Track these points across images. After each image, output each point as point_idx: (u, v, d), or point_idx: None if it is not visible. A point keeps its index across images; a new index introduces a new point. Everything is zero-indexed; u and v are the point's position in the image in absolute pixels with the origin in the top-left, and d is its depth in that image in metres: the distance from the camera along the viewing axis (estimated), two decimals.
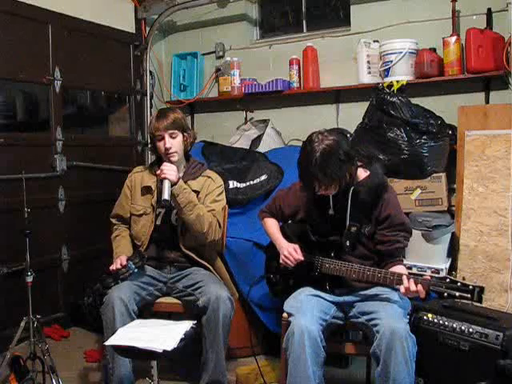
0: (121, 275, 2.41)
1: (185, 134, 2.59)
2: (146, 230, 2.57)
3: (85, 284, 3.43)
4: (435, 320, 2.27)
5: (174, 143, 2.53)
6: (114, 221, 2.72)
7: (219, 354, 2.37)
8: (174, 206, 2.48)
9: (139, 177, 2.66)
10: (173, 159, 2.52)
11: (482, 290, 1.87)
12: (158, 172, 2.46)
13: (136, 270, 2.42)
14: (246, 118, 4.07)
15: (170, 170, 2.41)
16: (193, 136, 2.65)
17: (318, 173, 2.04)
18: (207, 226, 2.49)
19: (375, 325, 2.04)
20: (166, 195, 2.37)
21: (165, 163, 2.46)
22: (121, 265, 2.42)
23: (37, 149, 3.43)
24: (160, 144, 2.53)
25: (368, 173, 2.25)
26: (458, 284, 1.91)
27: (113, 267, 2.44)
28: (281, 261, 2.33)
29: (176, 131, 2.54)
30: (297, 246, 2.30)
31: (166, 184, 2.39)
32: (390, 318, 2.02)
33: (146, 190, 2.62)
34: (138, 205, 2.62)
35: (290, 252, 2.28)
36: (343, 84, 3.66)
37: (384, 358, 1.96)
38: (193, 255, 2.56)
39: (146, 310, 2.47)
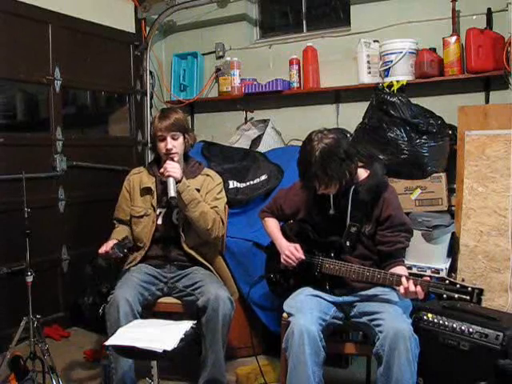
0: (112, 254, 2.41)
1: (186, 135, 2.60)
2: (148, 230, 2.58)
3: (86, 283, 3.45)
4: (435, 320, 2.27)
5: (175, 144, 2.54)
6: (115, 222, 2.72)
7: (218, 353, 2.38)
8: (177, 205, 2.48)
9: (137, 178, 2.66)
10: (174, 159, 2.52)
11: (481, 291, 1.87)
12: (162, 170, 2.47)
13: (121, 255, 2.42)
14: (246, 118, 4.07)
15: (174, 168, 2.43)
16: (193, 138, 2.66)
17: (318, 172, 2.04)
18: (211, 223, 2.50)
19: (378, 325, 2.04)
20: (172, 192, 2.39)
21: (168, 161, 2.47)
22: (109, 248, 2.41)
23: (37, 149, 3.43)
24: (161, 145, 2.54)
25: (368, 173, 2.25)
26: (457, 286, 1.91)
27: (101, 250, 2.44)
28: (282, 260, 2.32)
29: (178, 133, 2.55)
30: (298, 246, 2.29)
31: (171, 182, 2.41)
32: (393, 319, 2.02)
33: (146, 191, 2.62)
34: (137, 206, 2.62)
35: (292, 251, 2.27)
36: (343, 84, 3.66)
37: (387, 358, 1.96)
38: (194, 254, 2.57)
39: (146, 310, 2.47)
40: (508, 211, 2.84)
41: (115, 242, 2.46)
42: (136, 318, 2.29)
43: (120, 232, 2.63)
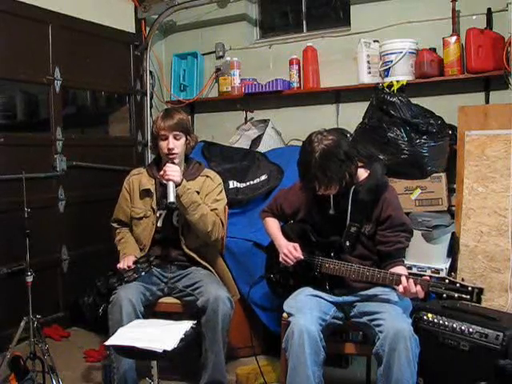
0: (126, 277, 2.38)
1: (188, 137, 2.58)
2: (148, 232, 2.58)
3: (86, 283, 3.45)
4: (435, 320, 2.27)
5: (176, 145, 2.52)
6: (115, 225, 2.71)
7: (219, 354, 2.37)
8: (177, 207, 2.47)
9: (137, 180, 2.65)
10: (174, 161, 2.51)
11: (481, 291, 1.87)
12: (161, 173, 2.44)
13: (143, 274, 2.42)
14: (246, 118, 4.07)
15: (173, 171, 2.40)
16: (195, 140, 2.65)
17: (318, 173, 2.04)
18: (211, 225, 2.49)
19: (378, 325, 2.04)
20: (171, 198, 2.35)
21: (168, 164, 2.44)
22: (128, 266, 2.41)
23: (37, 149, 3.43)
24: (163, 144, 2.52)
25: (368, 173, 2.25)
26: (457, 285, 1.91)
27: (120, 265, 2.43)
28: (280, 259, 2.32)
29: (180, 133, 2.53)
30: (296, 245, 2.29)
31: (171, 186, 2.37)
32: (393, 319, 2.02)
33: (145, 193, 2.61)
34: (137, 208, 2.61)
35: (290, 250, 2.27)
36: (343, 84, 3.66)
37: (387, 358, 1.97)
38: (194, 256, 2.57)
39: (147, 310, 2.46)
40: (508, 211, 2.84)
41: (134, 258, 2.45)
42: (138, 318, 2.29)
43: (131, 246, 2.59)
